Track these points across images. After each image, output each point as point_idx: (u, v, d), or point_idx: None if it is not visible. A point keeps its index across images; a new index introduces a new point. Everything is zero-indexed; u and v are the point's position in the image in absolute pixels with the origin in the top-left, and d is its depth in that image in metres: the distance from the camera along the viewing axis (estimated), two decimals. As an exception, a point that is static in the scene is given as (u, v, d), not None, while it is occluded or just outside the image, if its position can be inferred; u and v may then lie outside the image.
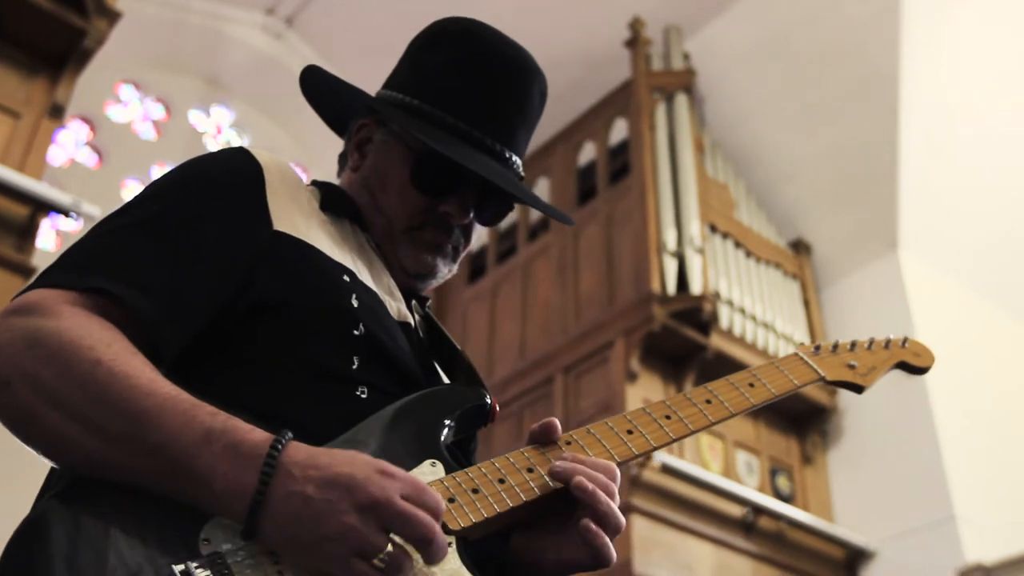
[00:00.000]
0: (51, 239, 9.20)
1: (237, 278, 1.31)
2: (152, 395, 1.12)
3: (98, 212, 5.53)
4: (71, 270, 1.25)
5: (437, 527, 1.09)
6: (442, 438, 1.30)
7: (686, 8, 9.50)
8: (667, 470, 7.26)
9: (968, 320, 9.15)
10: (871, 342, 1.69)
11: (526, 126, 1.57)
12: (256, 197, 1.38)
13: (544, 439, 1.34)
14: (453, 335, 1.61)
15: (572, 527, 1.26)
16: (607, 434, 1.38)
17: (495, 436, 8.05)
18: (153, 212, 1.33)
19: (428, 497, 1.11)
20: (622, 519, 1.26)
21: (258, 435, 1.12)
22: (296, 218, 1.41)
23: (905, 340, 1.71)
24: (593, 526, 1.24)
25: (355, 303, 1.37)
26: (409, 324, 1.49)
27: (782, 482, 8.33)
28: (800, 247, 9.63)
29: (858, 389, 1.63)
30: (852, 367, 1.63)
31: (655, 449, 1.39)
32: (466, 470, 1.26)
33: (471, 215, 1.54)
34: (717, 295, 8.22)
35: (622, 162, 9.17)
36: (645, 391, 7.64)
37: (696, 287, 7.93)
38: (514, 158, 1.55)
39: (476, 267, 10.09)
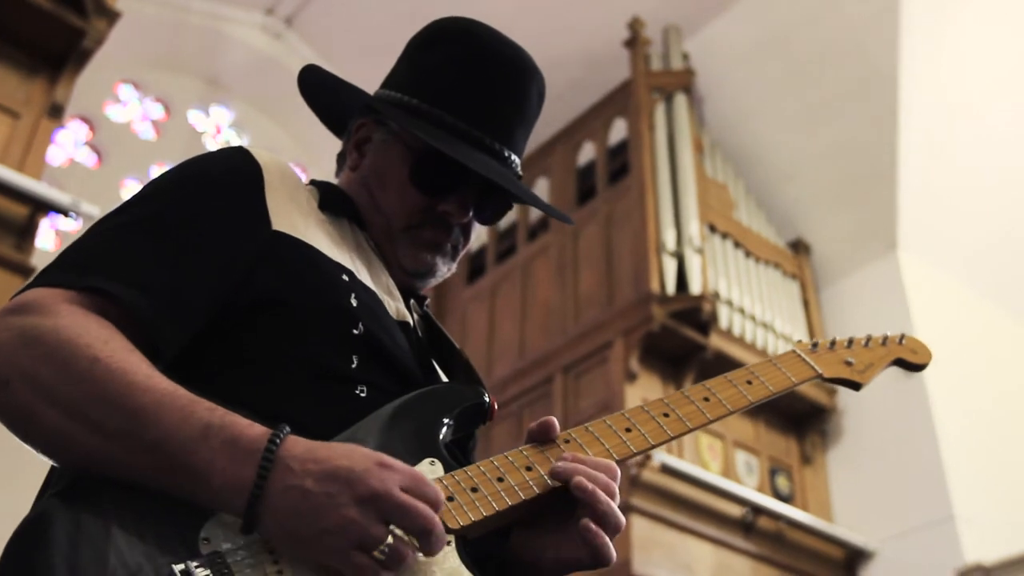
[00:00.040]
0: (50, 239, 9.19)
1: (236, 277, 1.31)
2: (150, 391, 1.13)
3: (97, 212, 5.53)
4: (69, 269, 1.26)
5: (436, 518, 1.10)
6: (441, 437, 1.30)
7: (685, 8, 9.50)
8: (666, 470, 7.26)
9: (967, 320, 9.15)
10: (868, 339, 1.69)
11: (524, 125, 1.57)
12: (255, 197, 1.38)
13: (543, 437, 1.34)
14: (452, 335, 1.61)
15: (572, 526, 1.26)
16: (606, 432, 1.38)
17: (494, 436, 8.06)
18: (152, 211, 1.33)
19: (427, 489, 1.11)
20: (622, 519, 1.27)
21: (256, 430, 1.12)
22: (295, 218, 1.41)
23: (902, 337, 1.71)
24: (593, 526, 1.24)
25: (354, 302, 1.37)
26: (408, 323, 1.49)
27: (781, 482, 8.33)
28: (799, 247, 9.63)
29: (855, 386, 1.63)
30: (849, 364, 1.62)
31: (653, 447, 1.39)
32: (465, 469, 1.26)
33: (470, 214, 1.54)
34: (716, 295, 8.22)
35: (621, 162, 9.17)
36: (644, 391, 7.64)
37: (695, 287, 7.94)
38: (513, 157, 1.55)
39: (475, 267, 10.09)
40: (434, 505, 1.11)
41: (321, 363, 1.32)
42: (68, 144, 10.04)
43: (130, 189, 10.00)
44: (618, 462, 1.34)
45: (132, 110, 10.69)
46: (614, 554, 1.26)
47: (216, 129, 11.16)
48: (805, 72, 9.14)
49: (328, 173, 1.72)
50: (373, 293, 1.43)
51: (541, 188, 9.80)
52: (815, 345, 1.63)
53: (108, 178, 10.00)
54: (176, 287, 1.26)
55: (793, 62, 9.16)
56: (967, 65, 8.78)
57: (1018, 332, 9.66)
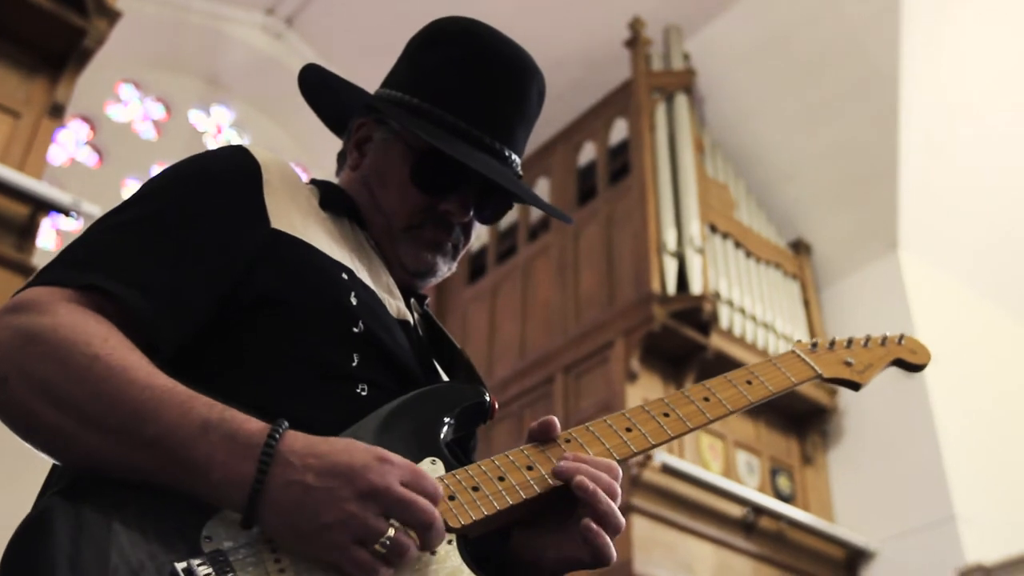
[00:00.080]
0: (51, 238, 9.20)
1: (234, 276, 1.31)
2: (149, 388, 1.13)
3: (98, 211, 5.53)
4: (69, 267, 1.26)
5: (436, 512, 1.11)
6: (442, 436, 1.30)
7: (686, 8, 9.50)
8: (667, 470, 7.26)
9: (968, 320, 9.15)
10: (867, 339, 1.69)
11: (525, 125, 1.57)
12: (254, 195, 1.38)
13: (543, 437, 1.34)
14: (453, 335, 1.61)
15: (572, 525, 1.27)
16: (606, 432, 1.38)
17: (495, 436, 8.06)
18: (151, 210, 1.34)
19: (426, 483, 1.12)
20: (622, 519, 1.27)
21: (255, 424, 1.13)
22: (294, 216, 1.41)
23: (902, 337, 1.71)
24: (594, 525, 1.25)
25: (354, 300, 1.37)
26: (408, 322, 1.49)
27: (782, 482, 8.33)
28: (800, 247, 9.63)
29: (855, 386, 1.63)
30: (849, 364, 1.63)
31: (654, 447, 1.39)
32: (466, 468, 1.26)
33: (471, 213, 1.54)
34: (717, 295, 8.23)
35: (622, 162, 9.17)
36: (645, 391, 7.64)
37: (696, 287, 7.94)
38: (513, 156, 1.55)
39: (476, 267, 10.10)
40: (433, 499, 1.12)
41: (322, 361, 1.32)
42: (69, 144, 10.05)
43: (131, 189, 9.97)
44: (619, 462, 1.34)
45: (133, 110, 10.70)
46: (614, 554, 1.26)
47: (217, 129, 11.16)
48: (806, 72, 9.14)
49: (329, 173, 1.72)
50: (373, 292, 1.43)
51: (542, 188, 9.80)
52: (815, 345, 1.63)
53: (109, 178, 10.01)
54: (175, 285, 1.26)
55: (794, 62, 9.16)
56: (967, 65, 8.78)
57: (1019, 332, 9.66)
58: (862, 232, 9.33)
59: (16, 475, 3.74)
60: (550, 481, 1.28)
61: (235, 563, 1.07)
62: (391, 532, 1.08)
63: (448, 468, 1.26)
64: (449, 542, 1.17)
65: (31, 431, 1.16)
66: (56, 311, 1.18)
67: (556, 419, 1.35)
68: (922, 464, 8.09)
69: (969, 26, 8.67)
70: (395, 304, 1.48)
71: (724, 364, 7.61)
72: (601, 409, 7.48)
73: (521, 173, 1.59)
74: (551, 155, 9.94)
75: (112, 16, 5.96)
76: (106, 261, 1.26)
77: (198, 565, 1.04)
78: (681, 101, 9.14)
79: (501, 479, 1.26)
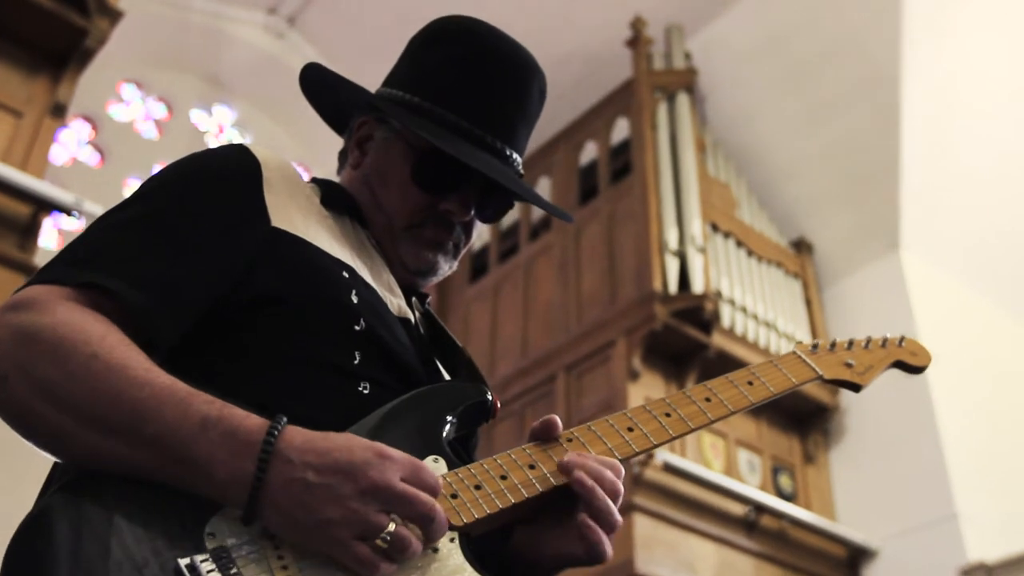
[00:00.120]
0: (53, 238, 9.21)
1: (234, 275, 1.32)
2: (148, 385, 1.13)
3: (100, 211, 5.52)
4: (68, 266, 1.26)
5: (437, 505, 1.11)
6: (444, 434, 1.31)
7: (687, 7, 9.50)
8: (669, 469, 7.26)
9: (969, 319, 9.15)
10: (868, 341, 1.69)
11: (526, 124, 1.57)
12: (254, 194, 1.38)
13: (545, 436, 1.34)
14: (455, 334, 1.62)
15: (571, 522, 1.27)
16: (608, 431, 1.38)
17: (497, 435, 8.06)
18: (151, 208, 1.34)
19: (426, 476, 1.13)
20: (619, 517, 1.27)
21: (254, 421, 1.13)
22: (294, 215, 1.41)
23: (902, 339, 1.72)
24: (590, 522, 1.25)
25: (355, 299, 1.37)
26: (409, 320, 1.50)
27: (784, 481, 8.33)
28: (802, 246, 9.63)
29: (855, 388, 1.63)
30: (849, 366, 1.63)
31: (655, 447, 1.40)
32: (468, 466, 1.26)
33: (472, 212, 1.54)
34: (719, 294, 8.23)
35: (624, 161, 9.17)
36: (647, 390, 7.64)
37: (698, 286, 7.94)
38: (514, 155, 1.55)
39: (478, 266, 10.10)
40: (432, 492, 1.13)
41: (323, 360, 1.32)
42: (71, 143, 10.06)
43: (133, 188, 9.96)
44: (621, 461, 1.34)
45: (135, 109, 10.70)
46: (610, 551, 1.27)
47: (218, 128, 11.17)
48: (807, 71, 9.14)
49: (330, 172, 1.72)
50: (374, 290, 1.44)
51: (543, 187, 9.81)
52: (815, 346, 1.63)
53: (111, 177, 10.01)
54: (174, 283, 1.26)
55: (795, 61, 9.15)
56: (969, 64, 8.78)
57: (1020, 331, 9.66)
58: (863, 231, 9.33)
59: (18, 475, 3.74)
60: (552, 480, 1.28)
61: (238, 559, 1.07)
62: (392, 527, 1.09)
63: (450, 466, 1.26)
64: (451, 540, 1.17)
65: (31, 430, 1.16)
66: (55, 309, 1.19)
67: (557, 418, 1.36)
68: (924, 463, 8.09)
69: (970, 25, 8.66)
70: (396, 302, 1.48)
71: (726, 363, 7.62)
72: (603, 408, 7.48)
73: (522, 172, 1.59)
74: (553, 154, 9.94)
75: (114, 16, 5.96)
76: (105, 259, 1.26)
77: (202, 561, 1.05)
78: (683, 100, 9.14)
79: (503, 477, 1.26)
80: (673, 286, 7.94)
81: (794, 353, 1.61)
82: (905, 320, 8.47)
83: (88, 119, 10.27)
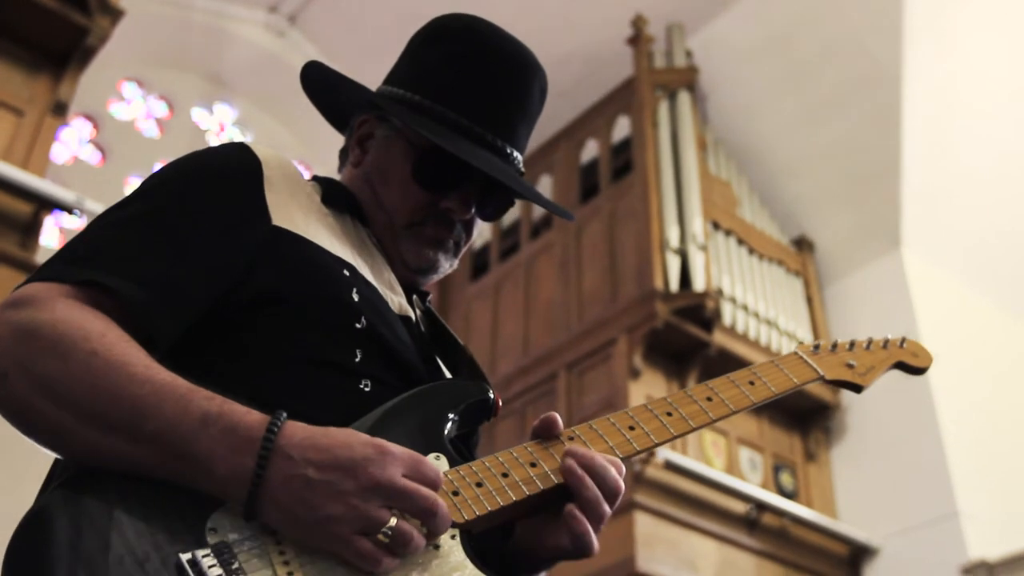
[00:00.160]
0: (54, 236, 9.21)
1: (235, 273, 1.32)
2: (148, 382, 1.14)
3: (101, 209, 5.50)
4: (68, 263, 1.26)
5: (439, 499, 1.12)
6: (445, 432, 1.31)
7: (688, 5, 9.50)
8: (671, 467, 7.26)
9: (971, 317, 9.15)
10: (869, 342, 1.70)
11: (527, 122, 1.57)
12: (254, 192, 1.39)
13: (546, 433, 1.34)
14: (456, 332, 1.62)
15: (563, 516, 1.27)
16: (609, 430, 1.38)
17: (498, 433, 8.06)
18: (151, 206, 1.34)
19: (427, 470, 1.13)
20: (607, 509, 1.27)
21: (254, 416, 1.13)
22: (295, 213, 1.41)
23: (903, 340, 1.72)
24: (577, 512, 1.25)
25: (355, 297, 1.37)
26: (410, 318, 1.50)
27: (785, 479, 8.33)
28: (803, 244, 9.63)
29: (857, 388, 1.63)
30: (851, 366, 1.63)
31: (656, 445, 1.40)
32: (470, 464, 1.27)
33: (473, 210, 1.54)
34: (720, 292, 8.23)
35: (625, 159, 9.17)
36: (648, 388, 7.65)
37: (699, 284, 7.94)
38: (515, 154, 1.55)
39: (479, 264, 10.10)
40: (433, 486, 1.13)
41: (324, 358, 1.32)
42: (72, 142, 10.06)
43: (134, 187, 9.98)
44: (622, 459, 1.34)
45: (136, 108, 10.71)
46: (596, 545, 1.26)
47: (220, 127, 11.17)
48: (808, 69, 9.14)
49: (331, 170, 1.72)
50: (375, 288, 1.44)
51: (544, 185, 9.81)
52: (817, 347, 1.64)
53: (112, 176, 10.02)
54: (174, 281, 1.26)
55: (796, 59, 9.15)
56: (970, 64, 8.77)
57: (1021, 329, 9.66)
58: (865, 229, 9.33)
59: (19, 472, 3.74)
60: (553, 478, 1.28)
61: (239, 555, 1.07)
62: (393, 521, 1.09)
63: (452, 464, 1.26)
64: (453, 537, 1.18)
65: (31, 426, 1.16)
66: (55, 306, 1.19)
67: (558, 415, 1.36)
68: (925, 461, 8.09)
69: (971, 25, 8.66)
70: (397, 300, 1.48)
71: (727, 361, 7.63)
72: (604, 406, 7.49)
73: (523, 170, 1.59)
74: (554, 152, 9.94)
75: (115, 14, 5.97)
76: (105, 257, 1.26)
77: (203, 556, 1.05)
78: (684, 98, 9.14)
79: (505, 475, 1.26)
80: (674, 284, 7.95)
81: (796, 353, 1.61)
82: (906, 319, 8.47)
83: (89, 117, 10.27)
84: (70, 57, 5.86)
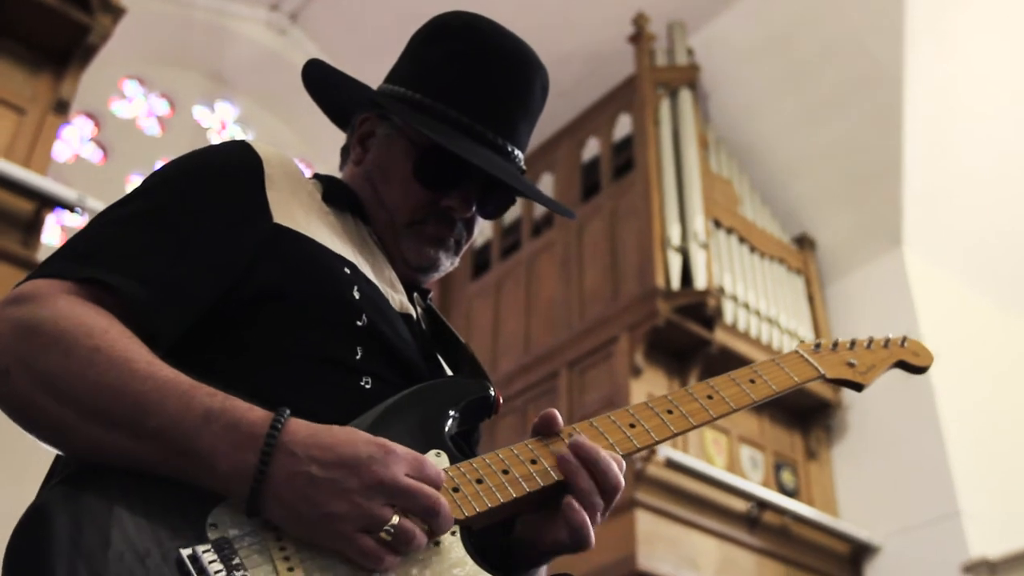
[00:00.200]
0: (56, 234, 9.20)
1: (236, 271, 1.32)
2: (151, 378, 1.14)
3: (102, 207, 5.53)
4: (69, 260, 1.26)
5: (441, 498, 1.12)
6: (446, 429, 1.31)
7: (690, 4, 9.49)
8: (671, 465, 7.26)
9: (972, 316, 9.14)
10: (870, 341, 1.70)
11: (528, 120, 1.57)
12: (255, 190, 1.39)
13: (546, 430, 1.34)
14: (457, 330, 1.62)
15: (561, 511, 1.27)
16: (609, 427, 1.39)
17: (499, 431, 8.06)
18: (153, 204, 1.34)
19: (429, 470, 1.14)
20: (600, 502, 1.27)
21: (257, 413, 1.13)
22: (296, 211, 1.41)
23: (904, 339, 1.72)
24: (574, 504, 1.25)
25: (356, 294, 1.37)
26: (411, 316, 1.50)
27: (786, 477, 8.33)
28: (804, 243, 9.63)
29: (857, 387, 1.64)
30: (852, 365, 1.63)
31: (657, 443, 1.41)
32: (470, 460, 1.27)
33: (473, 209, 1.54)
34: (721, 290, 8.23)
35: (626, 157, 9.17)
36: (649, 386, 7.64)
37: (700, 282, 7.94)
38: (516, 152, 1.55)
39: (480, 262, 10.10)
40: (435, 484, 1.13)
41: (326, 355, 1.32)
42: (74, 140, 10.06)
43: (135, 185, 9.97)
44: (623, 456, 1.34)
45: (137, 106, 10.70)
46: (592, 536, 1.26)
47: (221, 125, 11.17)
48: (810, 68, 9.14)
49: (333, 169, 1.72)
50: (376, 286, 1.44)
51: (546, 183, 9.80)
52: (818, 345, 1.64)
53: (113, 174, 10.02)
54: (175, 279, 1.27)
55: (798, 58, 9.15)
56: (970, 65, 8.77)
57: (1022, 329, 9.65)
58: (866, 228, 9.32)
59: (20, 469, 3.74)
60: (553, 474, 1.28)
61: (240, 550, 1.07)
62: (395, 519, 1.09)
63: (452, 461, 1.26)
64: (453, 534, 1.18)
65: (33, 423, 1.16)
66: (56, 303, 1.19)
67: (557, 411, 1.36)
68: (926, 459, 8.09)
69: (972, 27, 8.65)
70: (398, 298, 1.48)
71: (728, 359, 7.62)
72: (605, 404, 7.48)
73: (524, 168, 1.59)
74: (555, 150, 9.94)
75: (116, 12, 5.98)
76: (107, 254, 1.26)
77: (203, 552, 1.05)
78: (685, 97, 9.13)
79: (505, 472, 1.27)
80: (676, 282, 7.95)
81: (796, 352, 1.61)
82: (907, 317, 8.47)
83: (91, 116, 10.27)
84: (71, 55, 5.87)
